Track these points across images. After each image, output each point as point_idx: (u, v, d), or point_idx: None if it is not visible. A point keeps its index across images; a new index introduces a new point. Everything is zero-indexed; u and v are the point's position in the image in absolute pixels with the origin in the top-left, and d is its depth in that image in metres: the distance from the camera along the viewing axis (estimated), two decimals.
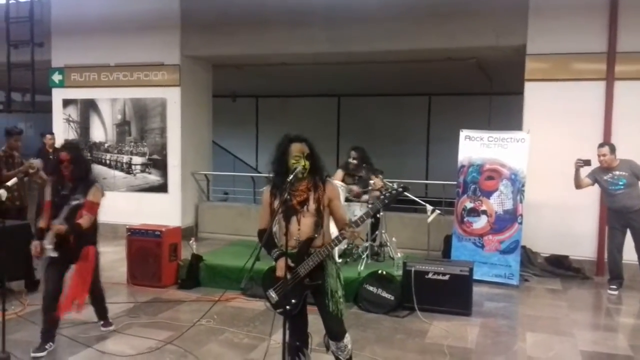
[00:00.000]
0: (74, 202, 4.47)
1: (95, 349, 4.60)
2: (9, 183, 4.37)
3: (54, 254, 4.43)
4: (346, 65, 10.46)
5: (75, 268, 4.60)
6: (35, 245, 4.47)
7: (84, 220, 4.47)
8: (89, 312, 5.52)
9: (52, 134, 9.82)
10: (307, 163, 3.48)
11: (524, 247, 7.23)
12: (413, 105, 15.05)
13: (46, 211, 4.55)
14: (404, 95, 14.79)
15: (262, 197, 3.66)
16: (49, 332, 4.58)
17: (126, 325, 5.20)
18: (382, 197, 3.51)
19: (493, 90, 12.27)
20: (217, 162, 11.12)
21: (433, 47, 8.35)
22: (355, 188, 6.93)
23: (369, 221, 6.12)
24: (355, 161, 7.04)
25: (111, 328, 5.08)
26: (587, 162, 6.36)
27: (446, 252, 7.44)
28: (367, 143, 7.49)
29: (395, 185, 3.51)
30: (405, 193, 3.59)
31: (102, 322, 5.12)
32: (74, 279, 4.60)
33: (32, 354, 4.41)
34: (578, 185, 6.55)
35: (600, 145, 6.50)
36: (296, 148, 3.49)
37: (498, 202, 6.93)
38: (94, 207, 4.58)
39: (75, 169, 4.54)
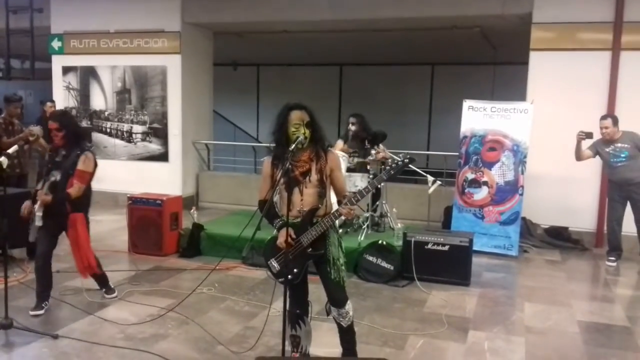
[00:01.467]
0: (52, 179, 4.56)
1: (97, 316, 4.64)
2: (10, 150, 4.36)
3: (40, 223, 4.56)
4: (349, 33, 10.32)
5: (69, 237, 4.71)
6: (25, 205, 4.61)
7: (73, 190, 4.53)
8: (90, 280, 5.58)
9: (52, 101, 9.76)
10: (308, 131, 3.43)
11: (524, 219, 7.24)
12: (416, 75, 14.89)
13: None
14: (407, 64, 14.62)
15: (263, 168, 3.63)
16: (44, 292, 4.73)
17: (128, 293, 5.25)
18: (388, 167, 3.48)
19: (497, 60, 12.13)
20: (217, 131, 11.08)
21: (438, 15, 8.22)
22: (357, 158, 6.88)
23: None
24: (354, 127, 6.98)
25: (114, 295, 5.13)
26: (589, 135, 6.33)
27: (446, 223, 7.46)
28: (368, 113, 7.42)
29: (400, 157, 3.47)
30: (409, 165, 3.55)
31: (104, 290, 5.16)
32: (72, 247, 4.73)
33: (31, 313, 4.60)
34: (579, 157, 6.53)
35: (603, 118, 6.44)
36: (296, 116, 3.44)
37: (499, 173, 6.92)
38: (84, 176, 4.60)
39: (65, 137, 4.60)
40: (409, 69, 14.83)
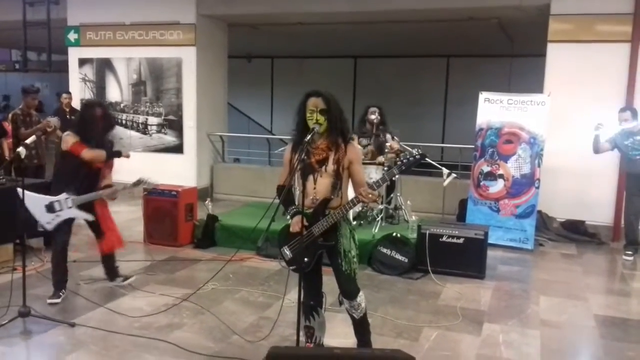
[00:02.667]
0: None
1: (112, 306, 4.68)
2: (28, 141, 4.39)
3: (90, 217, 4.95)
4: (364, 25, 10.28)
5: (99, 215, 5.01)
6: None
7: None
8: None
9: (68, 93, 9.83)
10: (322, 118, 3.41)
11: (539, 212, 7.18)
12: (431, 67, 14.79)
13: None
14: (422, 56, 14.54)
15: (284, 154, 3.64)
16: (61, 280, 4.86)
17: (143, 283, 5.29)
18: (400, 162, 3.45)
19: (514, 52, 12.01)
20: (231, 123, 11.10)
21: (455, 7, 8.15)
22: (371, 148, 6.86)
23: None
24: (373, 117, 6.93)
25: (132, 280, 5.26)
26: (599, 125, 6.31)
27: (461, 216, 7.42)
28: (383, 105, 7.38)
29: (414, 151, 3.43)
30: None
31: (121, 279, 5.25)
32: (105, 223, 5.10)
33: (49, 301, 4.72)
34: (596, 150, 6.46)
35: (622, 110, 6.37)
36: (311, 102, 3.43)
37: (515, 166, 6.86)
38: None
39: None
40: (424, 61, 14.74)
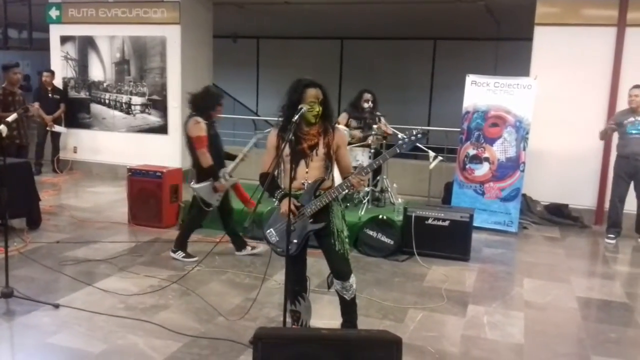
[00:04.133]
0: None
1: (98, 287, 4.64)
2: (9, 119, 4.30)
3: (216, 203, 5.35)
4: (351, 5, 10.20)
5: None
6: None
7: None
8: (90, 251, 5.60)
9: (49, 71, 9.66)
10: (320, 108, 3.45)
11: (524, 195, 7.23)
12: (417, 50, 14.75)
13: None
14: (408, 39, 14.46)
15: (268, 140, 3.61)
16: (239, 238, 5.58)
17: (128, 264, 5.25)
18: (401, 142, 3.42)
19: (501, 35, 12.01)
20: None
21: None
22: (358, 133, 6.85)
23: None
24: (368, 104, 6.90)
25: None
26: (618, 125, 6.37)
27: (446, 199, 7.45)
28: (369, 87, 7.35)
29: (414, 131, 3.40)
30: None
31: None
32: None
33: (237, 253, 5.55)
34: (604, 138, 6.60)
35: (636, 87, 6.40)
36: (311, 94, 3.43)
37: (501, 150, 6.88)
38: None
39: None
40: (411, 44, 14.68)
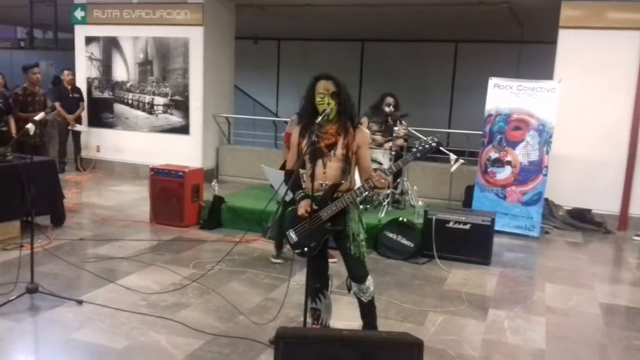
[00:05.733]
0: None
1: (120, 284, 4.70)
2: (37, 118, 4.36)
3: None
4: (372, 7, 10.17)
5: None
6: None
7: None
8: (113, 248, 5.67)
9: (69, 69, 9.78)
10: (333, 102, 3.40)
11: (546, 200, 7.16)
12: (439, 53, 14.67)
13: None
14: (429, 41, 14.41)
15: (291, 138, 3.62)
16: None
17: (150, 262, 5.30)
18: (415, 149, 3.40)
19: (524, 38, 11.89)
20: (237, 105, 11.05)
21: None
22: (379, 138, 6.84)
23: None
24: (389, 108, 6.89)
25: (279, 261, 5.44)
26: None
27: (467, 202, 7.40)
28: (389, 90, 7.33)
29: (429, 139, 3.39)
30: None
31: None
32: None
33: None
34: None
35: None
36: (321, 85, 3.41)
37: (523, 153, 6.82)
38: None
39: None
40: (432, 46, 14.62)
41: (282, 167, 5.19)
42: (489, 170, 7.01)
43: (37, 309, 4.14)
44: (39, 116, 4.44)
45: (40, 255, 5.17)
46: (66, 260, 5.21)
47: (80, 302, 4.25)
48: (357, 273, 3.55)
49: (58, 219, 6.32)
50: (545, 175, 6.80)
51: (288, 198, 5.24)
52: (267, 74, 16.82)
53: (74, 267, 5.08)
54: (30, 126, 4.17)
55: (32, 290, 4.22)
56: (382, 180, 3.32)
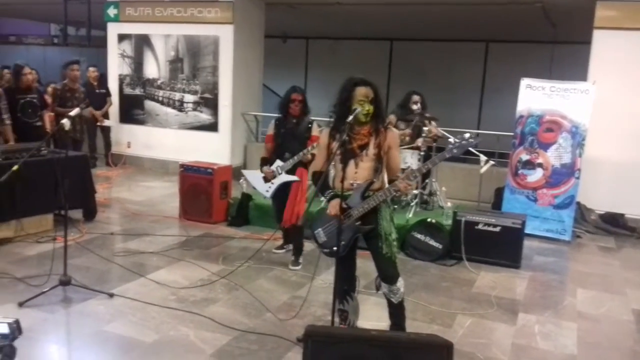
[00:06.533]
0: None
1: (150, 278, 4.76)
2: (72, 113, 4.44)
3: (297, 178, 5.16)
4: (402, 6, 10.12)
5: (291, 187, 5.19)
6: (266, 171, 5.24)
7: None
8: (143, 243, 5.75)
9: (94, 66, 9.90)
10: (371, 108, 3.42)
11: (578, 203, 7.02)
12: (469, 52, 14.51)
13: (268, 142, 5.32)
14: (459, 40, 14.26)
15: (320, 139, 3.62)
16: (296, 248, 5.30)
17: (179, 257, 5.36)
18: (451, 146, 3.37)
19: (557, 38, 11.70)
20: (264, 103, 11.09)
21: None
22: (406, 132, 6.79)
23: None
24: (417, 106, 6.85)
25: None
26: None
27: (496, 205, 7.30)
28: (418, 89, 7.28)
29: (466, 135, 3.35)
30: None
31: (292, 258, 5.33)
32: (289, 197, 5.18)
33: (291, 267, 5.19)
34: None
35: None
36: (361, 92, 3.41)
37: (556, 155, 6.70)
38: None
39: (302, 109, 5.14)
40: (462, 46, 14.47)
41: (263, 163, 5.34)
42: (519, 172, 6.91)
43: (69, 301, 4.22)
44: (74, 112, 4.52)
45: (72, 249, 5.25)
46: (97, 253, 5.31)
47: (111, 295, 4.32)
48: (388, 273, 3.53)
49: (90, 213, 6.44)
50: (578, 178, 6.67)
51: (271, 195, 5.33)
52: (295, 73, 16.84)
53: (105, 260, 5.17)
54: (65, 121, 4.24)
55: (65, 282, 4.30)
56: (408, 187, 3.39)
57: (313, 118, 5.24)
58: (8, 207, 5.40)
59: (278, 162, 5.22)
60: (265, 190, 5.35)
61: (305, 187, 5.26)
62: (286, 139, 5.19)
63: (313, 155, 4.87)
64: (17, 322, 3.00)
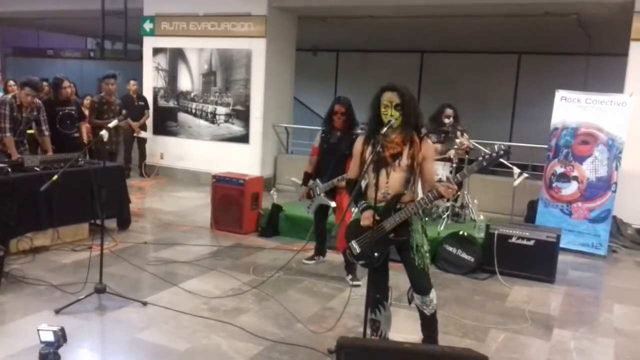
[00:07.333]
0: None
1: (182, 287, 4.81)
2: (110, 125, 4.55)
3: (333, 205, 5.15)
4: (434, 19, 10.11)
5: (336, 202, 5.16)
6: (303, 190, 5.31)
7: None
8: (175, 252, 5.82)
9: (135, 80, 10.15)
10: (397, 113, 3.40)
11: (614, 217, 6.87)
12: (501, 64, 14.39)
13: (313, 155, 5.28)
14: (491, 53, 14.16)
15: (355, 147, 3.63)
16: (347, 264, 5.03)
17: (210, 267, 5.41)
18: (481, 158, 3.35)
19: (592, 50, 11.52)
20: (294, 115, 11.17)
21: (532, 1, 7.89)
22: (438, 147, 6.76)
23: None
24: (449, 120, 6.82)
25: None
26: None
27: (529, 218, 7.20)
28: (448, 102, 7.24)
29: (495, 147, 3.31)
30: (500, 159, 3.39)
31: (349, 276, 5.09)
32: (336, 221, 5.08)
33: (352, 283, 4.92)
34: None
35: None
36: (385, 97, 3.42)
37: (591, 169, 6.58)
38: None
39: (346, 122, 5.03)
40: (494, 58, 14.36)
41: (306, 179, 5.30)
42: (554, 185, 6.80)
43: (104, 309, 4.29)
44: (113, 123, 4.62)
45: (107, 257, 5.32)
46: (131, 262, 5.40)
47: (144, 304, 4.38)
48: (421, 285, 3.50)
49: (124, 222, 6.55)
50: (614, 191, 6.53)
51: (312, 212, 5.31)
52: (325, 85, 16.94)
53: (138, 269, 5.26)
54: (104, 133, 4.35)
55: (101, 290, 4.38)
56: (449, 190, 3.29)
57: (359, 131, 4.94)
58: (46, 216, 5.53)
59: (317, 182, 5.19)
60: (307, 206, 5.39)
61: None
62: (327, 155, 5.12)
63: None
64: (62, 330, 3.07)
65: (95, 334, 3.99)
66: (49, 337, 3.05)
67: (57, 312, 4.12)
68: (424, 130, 3.62)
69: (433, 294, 3.53)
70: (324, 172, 5.19)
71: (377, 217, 3.42)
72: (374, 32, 12.75)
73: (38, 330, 3.07)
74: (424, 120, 3.72)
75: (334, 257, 5.82)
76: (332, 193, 5.16)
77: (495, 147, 3.30)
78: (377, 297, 3.63)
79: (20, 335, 3.76)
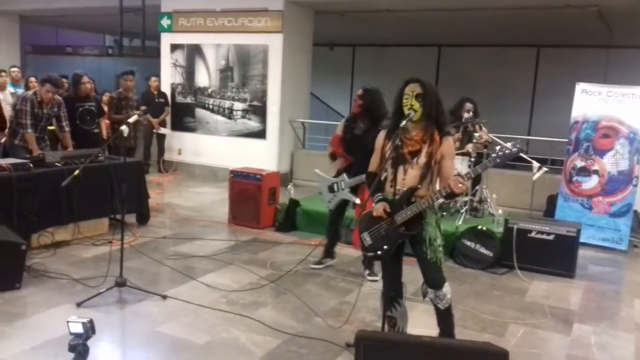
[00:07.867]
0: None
1: (201, 281, 4.85)
2: (130, 120, 4.59)
3: (357, 201, 5.03)
4: (451, 12, 10.02)
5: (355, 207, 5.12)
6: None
7: None
8: (193, 247, 5.87)
9: (156, 76, 10.23)
10: (417, 104, 3.35)
11: (635, 212, 6.77)
12: (519, 57, 14.23)
13: (335, 145, 5.18)
14: (509, 46, 14.01)
15: (377, 140, 3.62)
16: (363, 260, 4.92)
17: (228, 261, 5.45)
18: (495, 155, 3.31)
19: (612, 42, 11.34)
20: (311, 111, 11.17)
21: None
22: (457, 136, 6.70)
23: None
24: (469, 114, 6.77)
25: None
26: None
27: (549, 212, 7.12)
28: (467, 96, 7.18)
29: (509, 144, 3.27)
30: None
31: (367, 272, 5.07)
32: (356, 216, 4.99)
33: (369, 278, 4.96)
34: None
35: None
36: (408, 88, 3.40)
37: (612, 162, 6.49)
38: None
39: (365, 110, 4.94)
40: (512, 51, 14.21)
41: (332, 159, 5.19)
42: (574, 179, 6.72)
43: (124, 302, 4.34)
44: (132, 118, 4.67)
45: (126, 252, 5.36)
46: (151, 256, 5.46)
47: (164, 297, 4.43)
48: (433, 279, 3.49)
49: (143, 217, 6.61)
50: (636, 185, 6.44)
51: (332, 207, 5.24)
52: (341, 80, 16.90)
53: (157, 263, 5.31)
54: (124, 128, 4.39)
55: (121, 284, 4.43)
56: (460, 185, 3.20)
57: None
58: (67, 211, 5.60)
59: (344, 176, 5.09)
60: (327, 200, 5.29)
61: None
62: (351, 147, 5.02)
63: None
64: (91, 321, 3.11)
65: (116, 327, 4.05)
66: (78, 328, 3.08)
67: (79, 305, 4.18)
68: (447, 128, 3.56)
69: (447, 288, 3.50)
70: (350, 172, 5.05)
71: (389, 210, 3.42)
72: (390, 26, 12.67)
73: (67, 322, 3.11)
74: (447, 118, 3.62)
75: (351, 252, 5.83)
76: (355, 189, 5.11)
77: (509, 144, 3.24)
78: (391, 294, 3.61)
79: (43, 327, 3.83)
